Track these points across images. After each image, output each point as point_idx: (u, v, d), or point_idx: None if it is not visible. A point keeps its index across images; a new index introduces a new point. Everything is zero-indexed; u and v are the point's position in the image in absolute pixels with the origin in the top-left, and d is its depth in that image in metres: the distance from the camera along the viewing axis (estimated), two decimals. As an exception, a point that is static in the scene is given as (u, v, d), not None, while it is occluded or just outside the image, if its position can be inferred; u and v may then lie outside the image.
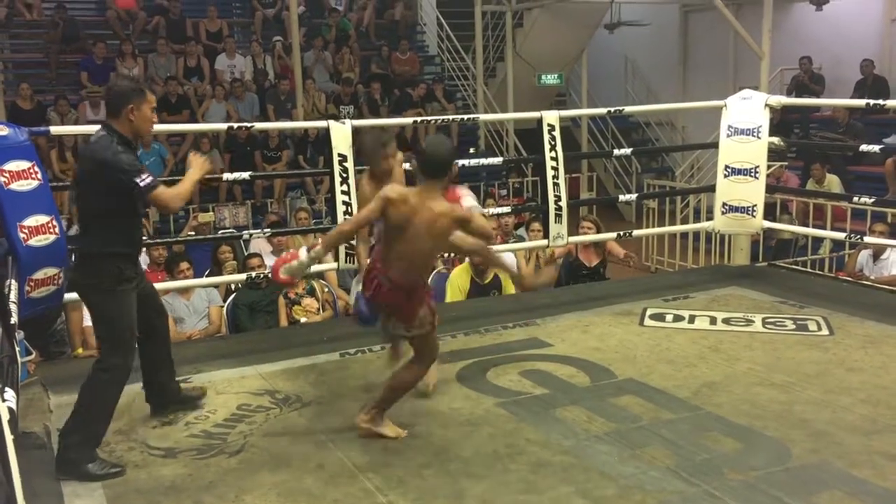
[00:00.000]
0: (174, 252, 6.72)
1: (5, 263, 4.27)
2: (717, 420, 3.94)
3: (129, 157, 3.60)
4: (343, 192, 5.39)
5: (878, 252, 7.13)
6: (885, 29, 12.52)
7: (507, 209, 7.17)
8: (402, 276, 3.62)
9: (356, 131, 5.41)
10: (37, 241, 4.34)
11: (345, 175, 5.39)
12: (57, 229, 4.47)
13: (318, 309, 6.41)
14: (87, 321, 5.85)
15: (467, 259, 6.23)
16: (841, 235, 7.17)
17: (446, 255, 6.41)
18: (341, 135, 5.41)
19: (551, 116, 6.09)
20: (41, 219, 4.38)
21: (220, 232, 9.02)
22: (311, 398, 4.35)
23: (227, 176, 5.98)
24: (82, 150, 3.71)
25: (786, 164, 10.30)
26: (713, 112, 6.80)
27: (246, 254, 7.30)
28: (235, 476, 3.52)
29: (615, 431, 3.82)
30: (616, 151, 8.15)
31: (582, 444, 3.71)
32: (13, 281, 4.20)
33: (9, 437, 2.32)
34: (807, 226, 8.72)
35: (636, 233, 7.49)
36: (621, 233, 6.84)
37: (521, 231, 7.75)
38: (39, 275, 4.39)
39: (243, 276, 5.88)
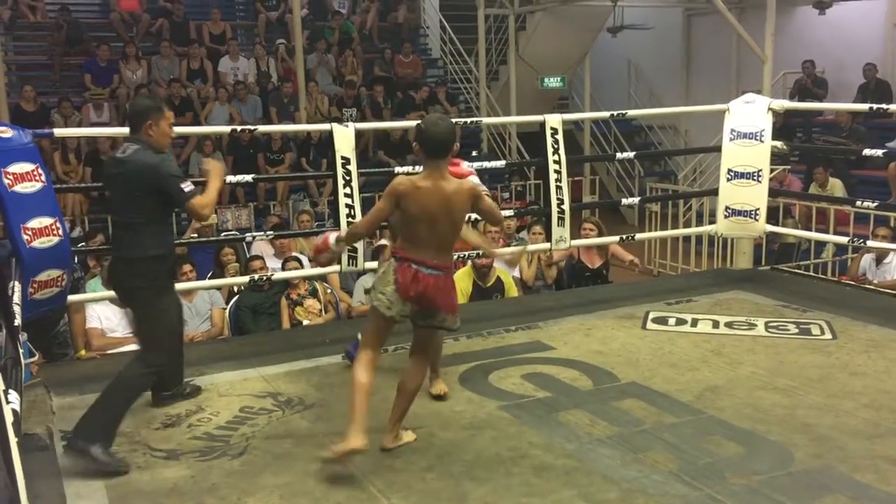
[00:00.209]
0: (177, 254, 6.72)
1: (9, 265, 4.28)
2: (720, 424, 3.93)
3: (174, 164, 3.92)
4: (346, 195, 5.39)
5: (881, 256, 7.12)
6: (888, 33, 12.51)
7: (509, 212, 7.17)
8: (438, 260, 3.57)
9: (359, 134, 5.40)
10: (40, 243, 4.35)
11: (348, 178, 5.39)
12: (60, 231, 4.48)
13: (321, 311, 6.41)
14: (90, 323, 5.86)
15: (470, 262, 6.23)
16: (844, 239, 7.16)
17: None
18: (344, 137, 5.42)
19: (554, 120, 6.10)
20: (45, 221, 4.39)
21: (222, 234, 9.02)
22: (313, 400, 4.35)
23: (229, 178, 5.97)
24: (119, 160, 3.86)
25: (789, 167, 10.29)
26: (716, 116, 6.80)
27: (248, 256, 7.30)
28: (238, 478, 3.52)
29: (618, 435, 3.82)
30: (619, 155, 8.17)
31: (584, 448, 3.71)
32: (17, 283, 4.21)
33: (13, 440, 2.33)
34: (810, 230, 8.71)
35: (639, 236, 7.49)
36: (624, 236, 6.84)
37: (523, 234, 7.75)
38: (43, 276, 4.41)
39: (246, 279, 5.89)
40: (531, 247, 6.84)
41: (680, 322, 5.57)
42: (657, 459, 3.58)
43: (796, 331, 5.33)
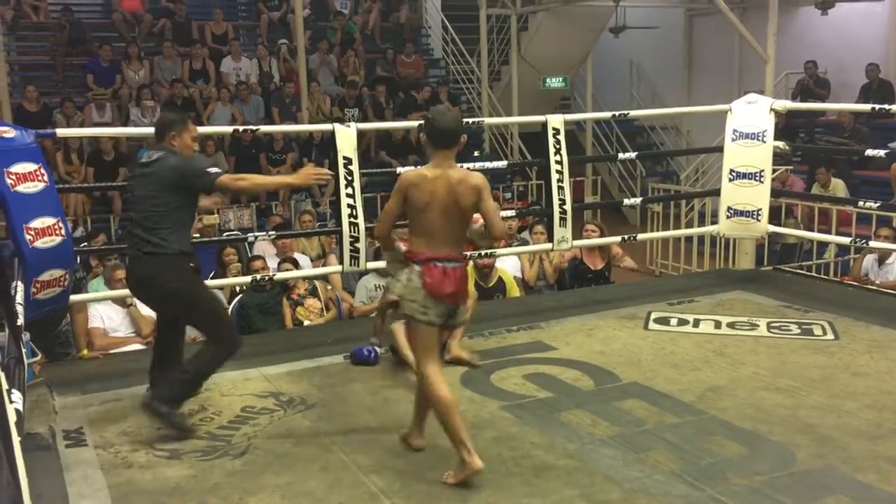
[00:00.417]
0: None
1: (11, 265, 4.28)
2: (722, 424, 3.93)
3: (198, 160, 4.19)
4: (348, 195, 5.39)
5: (883, 256, 7.11)
6: (890, 33, 12.49)
7: (511, 212, 7.17)
8: (456, 252, 3.50)
9: (361, 134, 5.41)
10: (43, 243, 4.36)
11: (350, 178, 5.39)
12: (63, 231, 4.49)
13: (322, 310, 6.41)
14: (93, 323, 5.86)
15: (471, 262, 6.23)
16: (846, 240, 7.15)
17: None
18: (346, 138, 5.42)
19: (556, 120, 6.10)
20: (47, 221, 4.40)
21: (224, 234, 9.02)
22: (315, 400, 4.36)
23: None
24: (145, 163, 4.13)
25: (791, 168, 10.28)
26: (718, 116, 6.80)
27: (250, 256, 7.31)
28: (240, 478, 3.53)
29: (619, 435, 3.82)
30: (621, 155, 8.17)
31: (586, 448, 3.71)
32: (19, 282, 4.21)
33: (16, 439, 2.33)
34: (812, 230, 8.70)
35: (641, 237, 7.49)
36: (626, 236, 6.84)
37: (525, 234, 7.75)
38: (45, 276, 4.41)
39: (248, 279, 5.89)
40: (534, 247, 6.83)
41: (682, 322, 5.57)
42: (659, 459, 3.58)
43: (798, 331, 5.33)
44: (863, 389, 4.33)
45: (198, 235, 7.78)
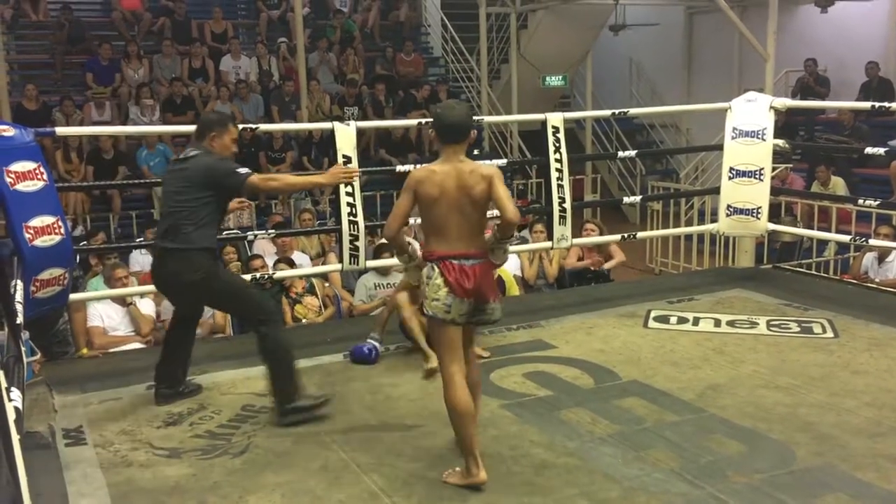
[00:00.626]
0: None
1: (11, 264, 4.28)
2: (722, 422, 3.93)
3: (231, 162, 4.18)
4: (347, 194, 5.39)
5: (883, 254, 7.12)
6: (890, 31, 12.49)
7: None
8: (475, 248, 3.40)
9: (360, 133, 5.40)
10: (42, 242, 4.36)
11: (349, 176, 5.38)
12: (62, 230, 4.49)
13: (320, 307, 6.41)
14: (92, 322, 5.86)
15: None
16: (846, 238, 7.15)
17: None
18: (346, 136, 5.42)
19: (555, 118, 6.09)
20: (47, 219, 4.40)
21: (223, 233, 9.01)
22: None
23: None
24: (181, 160, 4.21)
25: (791, 166, 10.29)
26: (718, 114, 6.80)
27: (249, 255, 7.31)
28: (240, 476, 3.53)
29: (619, 433, 3.82)
30: (620, 153, 8.16)
31: (586, 446, 3.71)
32: (19, 281, 4.21)
33: (15, 437, 2.33)
34: (812, 228, 8.70)
35: (640, 235, 7.49)
36: (625, 235, 6.84)
37: (525, 233, 7.74)
38: (45, 275, 4.41)
39: (247, 278, 5.88)
40: (533, 246, 6.83)
41: (682, 321, 5.57)
42: (659, 458, 3.58)
43: (798, 329, 5.33)
44: (862, 387, 4.33)
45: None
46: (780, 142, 6.52)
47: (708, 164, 12.12)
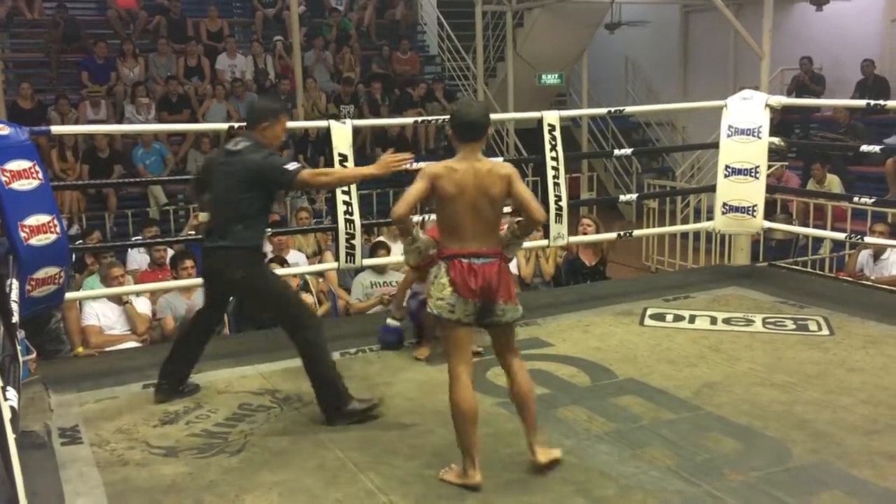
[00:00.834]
0: (181, 248, 6.75)
1: (6, 263, 4.27)
2: (718, 420, 3.94)
3: (279, 157, 4.13)
4: (343, 192, 5.39)
5: (878, 252, 7.13)
6: (885, 29, 12.51)
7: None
8: (488, 247, 3.36)
9: (356, 131, 5.39)
10: (37, 241, 4.35)
11: (345, 175, 5.38)
12: (58, 228, 4.48)
13: (314, 304, 6.41)
14: (88, 320, 5.86)
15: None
16: (841, 236, 7.17)
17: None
18: (342, 134, 5.41)
19: (552, 116, 6.09)
20: (42, 218, 4.38)
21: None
22: (311, 398, 4.32)
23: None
24: (229, 151, 4.07)
25: (786, 164, 10.29)
26: (713, 112, 6.80)
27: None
28: (236, 475, 3.53)
29: (615, 431, 3.83)
30: (616, 151, 8.15)
31: (582, 444, 3.71)
32: (14, 280, 4.20)
33: (11, 436, 2.33)
34: (807, 226, 8.71)
35: (636, 233, 7.49)
36: (622, 233, 6.84)
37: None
38: (40, 274, 4.40)
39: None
40: (530, 244, 6.83)
41: (678, 318, 5.58)
42: (655, 455, 3.58)
43: (794, 327, 5.34)
44: (858, 385, 4.34)
45: (192, 232, 7.78)
46: (776, 140, 6.53)
47: (704, 162, 12.12)
